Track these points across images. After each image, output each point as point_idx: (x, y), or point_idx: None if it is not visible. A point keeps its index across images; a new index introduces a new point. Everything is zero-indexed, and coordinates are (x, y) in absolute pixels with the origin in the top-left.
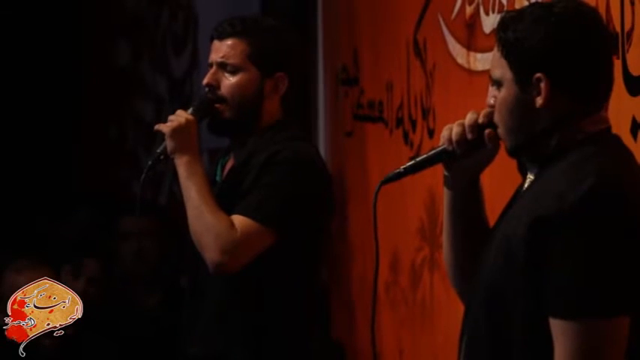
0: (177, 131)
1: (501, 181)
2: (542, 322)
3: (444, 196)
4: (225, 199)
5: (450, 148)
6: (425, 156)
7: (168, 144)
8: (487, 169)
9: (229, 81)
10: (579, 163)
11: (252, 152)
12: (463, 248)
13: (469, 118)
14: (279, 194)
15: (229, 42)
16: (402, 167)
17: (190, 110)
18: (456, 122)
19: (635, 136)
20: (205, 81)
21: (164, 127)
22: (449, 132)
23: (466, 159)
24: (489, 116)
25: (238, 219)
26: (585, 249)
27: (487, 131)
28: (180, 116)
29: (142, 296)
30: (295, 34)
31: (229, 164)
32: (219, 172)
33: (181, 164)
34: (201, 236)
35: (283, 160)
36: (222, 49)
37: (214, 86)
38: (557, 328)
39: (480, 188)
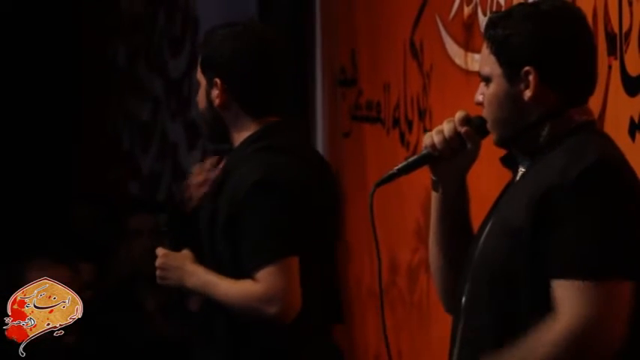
0: (167, 274)
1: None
2: (547, 291)
3: (432, 199)
4: (203, 216)
5: (436, 153)
6: (414, 158)
7: (170, 283)
8: (490, 169)
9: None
10: (577, 145)
11: (229, 169)
12: (450, 251)
13: (446, 127)
14: (270, 230)
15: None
16: (396, 168)
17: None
18: (434, 130)
19: (633, 137)
20: None
21: (159, 280)
22: (430, 139)
23: (450, 160)
24: (464, 119)
25: (258, 273)
26: (589, 214)
27: (464, 129)
28: (162, 260)
29: (151, 295)
30: (248, 39)
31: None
32: None
33: (192, 287)
34: (244, 309)
35: (252, 191)
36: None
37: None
38: (560, 289)
39: (466, 189)
